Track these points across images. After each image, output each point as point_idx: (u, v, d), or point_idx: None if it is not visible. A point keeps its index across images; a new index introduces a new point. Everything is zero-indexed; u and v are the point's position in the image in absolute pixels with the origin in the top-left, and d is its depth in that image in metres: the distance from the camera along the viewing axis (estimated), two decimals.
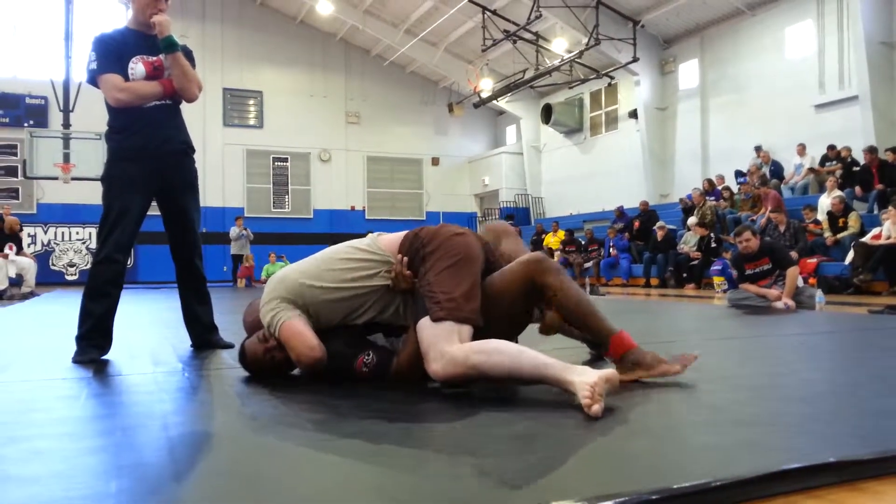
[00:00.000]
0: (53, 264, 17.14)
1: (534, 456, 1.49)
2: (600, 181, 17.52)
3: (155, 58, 3.20)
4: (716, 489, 1.25)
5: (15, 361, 3.12)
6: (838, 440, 1.59)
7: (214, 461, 1.50)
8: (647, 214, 13.79)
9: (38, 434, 1.72)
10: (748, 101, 13.84)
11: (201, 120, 17.41)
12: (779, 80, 13.15)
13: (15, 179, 16.55)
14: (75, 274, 17.12)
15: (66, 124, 12.56)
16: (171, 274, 3.41)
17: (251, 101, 19.40)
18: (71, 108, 12.55)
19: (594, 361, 2.71)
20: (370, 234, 2.47)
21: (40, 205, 17.18)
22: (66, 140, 12.39)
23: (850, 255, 8.86)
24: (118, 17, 16.64)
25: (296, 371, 2.47)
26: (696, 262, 11.18)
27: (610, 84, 16.91)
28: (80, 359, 2.97)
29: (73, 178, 12.36)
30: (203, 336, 3.42)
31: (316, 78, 19.82)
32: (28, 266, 11.03)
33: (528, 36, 15.61)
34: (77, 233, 17.37)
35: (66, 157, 12.37)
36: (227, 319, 3.43)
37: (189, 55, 3.30)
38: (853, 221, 9.56)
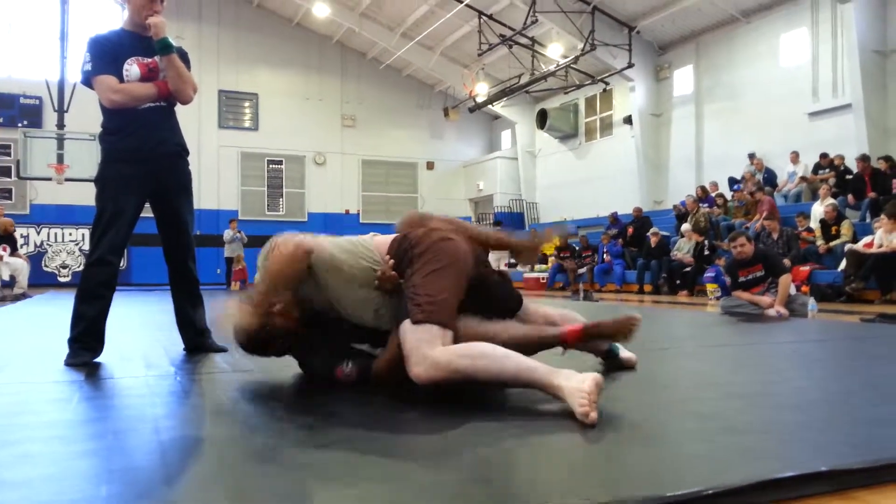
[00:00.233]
0: (46, 265, 17.06)
1: (525, 465, 1.49)
2: (595, 187, 17.56)
3: (150, 59, 3.19)
4: (709, 497, 1.25)
5: (7, 364, 3.10)
6: (830, 449, 1.59)
7: (205, 466, 1.49)
8: (641, 221, 13.81)
9: (29, 437, 1.71)
10: (742, 108, 13.89)
11: (196, 122, 17.36)
12: (773, 87, 13.20)
13: (8, 180, 16.47)
14: (68, 275, 17.05)
15: (61, 125, 12.51)
16: (164, 276, 3.40)
17: (247, 104, 19.37)
18: (65, 108, 12.51)
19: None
20: (371, 234, 2.49)
21: (33, 205, 17.10)
22: (61, 141, 12.34)
23: (843, 264, 8.89)
24: (114, 18, 16.61)
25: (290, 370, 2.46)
26: (689, 269, 11.21)
27: (605, 90, 16.95)
28: (72, 361, 2.96)
29: (67, 179, 12.30)
30: (195, 339, 3.40)
31: (312, 81, 19.81)
32: (21, 267, 10.98)
33: (523, 41, 15.65)
34: (70, 234, 17.30)
35: (60, 158, 12.31)
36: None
37: (184, 57, 3.29)
38: (846, 229, 9.59)
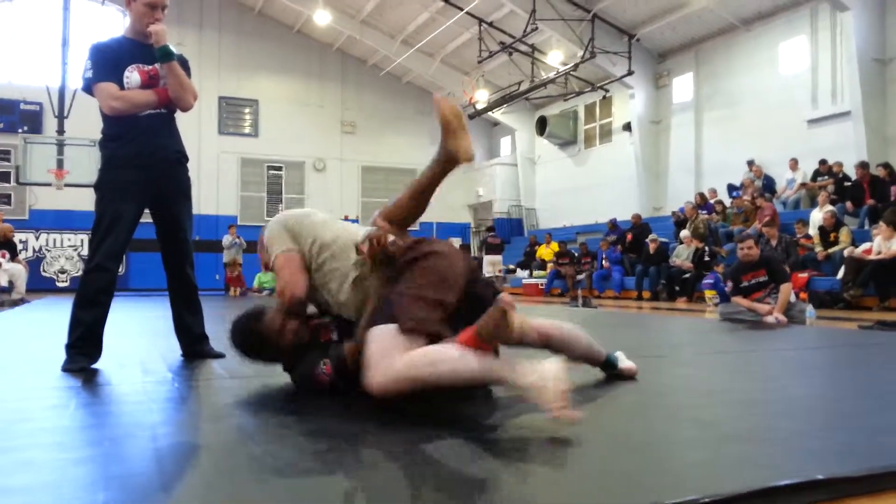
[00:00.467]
0: (45, 271, 17.05)
1: (522, 473, 1.48)
2: (594, 193, 17.57)
3: (151, 67, 3.21)
4: None
5: (4, 370, 3.10)
6: (828, 457, 1.59)
7: (201, 473, 1.49)
8: (640, 227, 13.83)
9: (26, 444, 1.71)
10: (742, 115, 13.92)
11: (196, 128, 17.38)
12: (772, 94, 13.24)
13: (7, 185, 16.48)
14: (66, 281, 17.03)
15: (61, 130, 12.54)
16: (162, 282, 3.40)
17: (247, 110, 19.40)
18: (66, 114, 12.54)
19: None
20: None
21: (32, 211, 17.10)
22: (60, 146, 12.37)
23: (842, 270, 8.89)
24: (116, 25, 16.66)
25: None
26: (688, 276, 11.21)
27: (604, 97, 16.98)
28: (70, 367, 2.96)
29: (67, 185, 12.32)
30: (193, 345, 3.40)
31: (312, 87, 19.85)
32: (19, 273, 10.98)
33: (523, 48, 15.68)
34: (69, 239, 17.30)
35: (60, 164, 12.34)
36: (218, 329, 3.40)
37: (185, 64, 3.31)
38: (844, 236, 9.60)
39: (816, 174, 11.87)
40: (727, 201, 12.98)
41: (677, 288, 11.45)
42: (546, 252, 15.78)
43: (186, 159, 3.40)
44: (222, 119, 19.03)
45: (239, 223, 17.96)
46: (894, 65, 11.20)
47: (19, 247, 13.87)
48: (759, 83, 13.52)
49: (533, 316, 2.47)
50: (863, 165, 10.55)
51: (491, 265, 12.31)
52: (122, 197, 3.13)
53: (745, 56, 13.86)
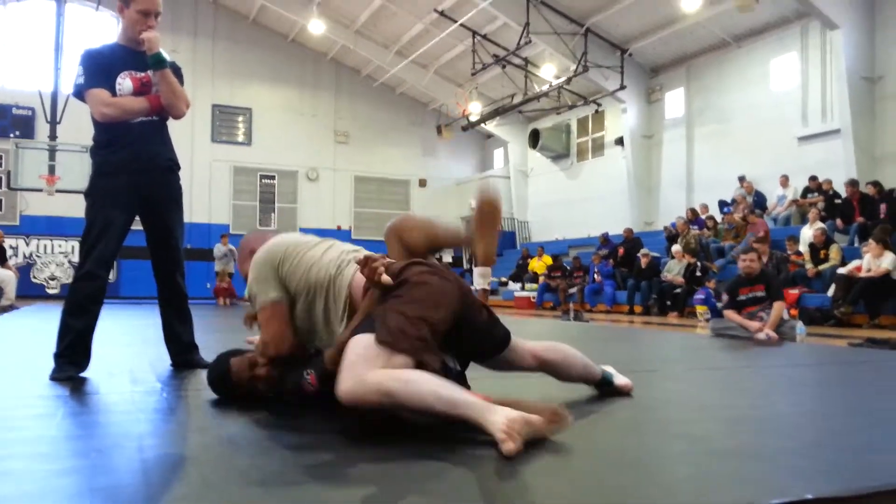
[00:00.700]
0: (35, 277, 16.93)
1: (509, 489, 1.48)
2: (586, 207, 17.63)
3: (143, 74, 3.20)
4: None
5: None
6: (816, 475, 1.60)
7: (187, 485, 1.48)
8: (632, 241, 13.87)
9: (11, 454, 1.70)
10: (733, 131, 14.02)
11: (189, 135, 17.35)
12: (763, 111, 13.34)
13: None
14: (56, 287, 16.91)
15: (53, 136, 12.50)
16: (153, 290, 3.38)
17: (240, 118, 19.40)
18: (58, 119, 12.50)
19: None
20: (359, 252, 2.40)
21: (23, 216, 17.00)
22: (52, 152, 12.32)
23: (832, 288, 8.94)
24: (110, 30, 16.64)
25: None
26: (679, 291, 11.24)
27: (597, 111, 17.07)
28: (58, 376, 2.94)
29: (58, 191, 12.27)
30: (182, 355, 3.39)
31: (306, 96, 19.88)
32: (8, 279, 10.90)
33: (517, 61, 15.77)
34: (60, 246, 17.20)
35: (52, 169, 12.29)
36: (208, 338, 3.39)
37: (178, 72, 3.31)
38: (834, 253, 9.66)
39: (806, 191, 11.95)
40: (718, 217, 13.05)
41: (669, 303, 11.47)
42: (538, 265, 15.80)
43: (178, 167, 3.39)
44: (215, 127, 19.01)
45: (231, 231, 17.92)
46: (883, 83, 11.31)
47: (9, 252, 13.79)
48: (750, 99, 13.63)
49: (525, 337, 2.46)
50: (852, 183, 10.62)
51: (481, 277, 12.34)
52: (113, 204, 3.12)
53: (737, 72, 13.98)
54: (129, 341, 5.06)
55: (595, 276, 13.75)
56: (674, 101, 15.45)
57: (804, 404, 2.83)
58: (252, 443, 1.85)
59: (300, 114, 19.80)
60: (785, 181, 12.39)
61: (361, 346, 1.92)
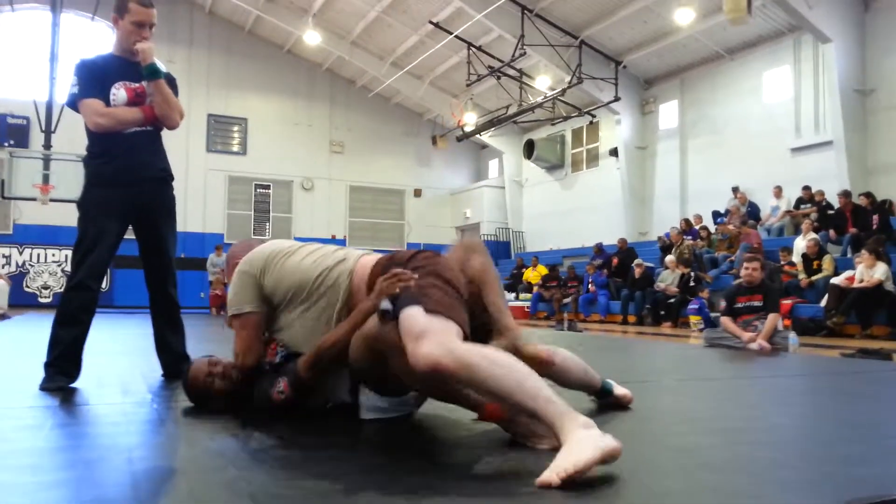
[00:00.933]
0: (27, 286, 16.86)
1: (498, 498, 1.48)
2: (580, 217, 17.67)
3: (137, 84, 3.20)
4: None
5: None
6: (806, 488, 1.60)
7: (176, 498, 1.47)
8: (626, 252, 13.89)
9: None
10: (726, 142, 14.09)
11: (184, 145, 17.35)
12: (756, 123, 13.42)
13: None
14: (49, 297, 16.85)
15: (47, 145, 12.48)
16: (147, 299, 3.37)
17: (235, 128, 19.42)
18: (53, 129, 12.49)
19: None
20: (361, 254, 2.39)
21: (17, 225, 16.95)
22: (47, 161, 12.30)
23: (825, 298, 8.96)
24: (105, 40, 16.64)
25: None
26: (673, 301, 11.26)
27: (591, 122, 17.14)
28: (48, 386, 2.92)
29: (52, 200, 12.24)
30: (174, 365, 3.36)
31: (301, 107, 19.92)
32: (1, 287, 10.86)
33: (512, 72, 15.83)
34: (53, 255, 17.14)
35: (46, 179, 12.27)
36: (201, 348, 3.38)
37: (172, 83, 3.31)
38: (827, 264, 9.69)
39: (799, 201, 12.01)
40: (712, 227, 13.09)
41: (662, 313, 11.49)
42: (532, 275, 15.81)
43: (171, 177, 3.39)
44: (210, 137, 19.02)
45: (226, 241, 17.90)
46: (875, 96, 11.39)
47: (2, 261, 13.74)
48: (744, 111, 13.71)
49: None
50: (845, 194, 10.68)
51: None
52: (106, 214, 3.11)
53: (730, 84, 14.06)
54: (120, 351, 5.04)
55: (589, 286, 13.76)
56: (668, 112, 15.52)
57: (795, 415, 2.83)
58: (242, 455, 1.84)
59: (295, 124, 19.84)
60: (778, 192, 12.45)
61: (423, 317, 1.79)
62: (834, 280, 9.06)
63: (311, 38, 17.29)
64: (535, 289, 14.94)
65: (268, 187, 19.56)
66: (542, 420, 1.66)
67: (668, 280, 11.70)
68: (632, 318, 12.26)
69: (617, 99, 15.17)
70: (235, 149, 19.44)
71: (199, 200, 18.19)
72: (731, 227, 12.07)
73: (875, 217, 10.24)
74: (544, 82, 16.05)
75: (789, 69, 12.83)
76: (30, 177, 12.30)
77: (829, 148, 11.75)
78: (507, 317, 2.23)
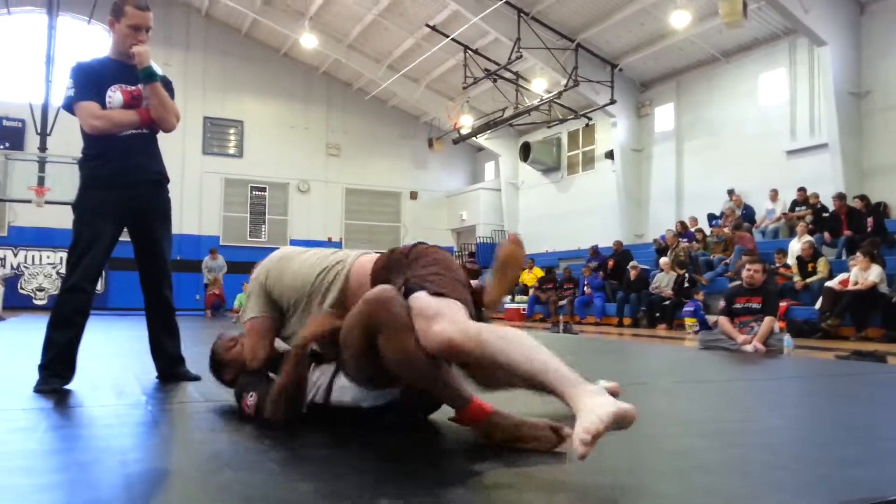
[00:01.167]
0: (22, 288, 16.82)
1: (492, 500, 1.48)
2: (576, 220, 17.68)
3: (134, 87, 3.20)
4: None
5: None
6: (801, 490, 1.60)
7: (170, 501, 1.47)
8: (622, 254, 13.91)
9: None
10: (722, 145, 14.12)
11: (180, 147, 17.34)
12: (752, 125, 13.45)
13: None
14: (44, 299, 16.80)
15: (43, 147, 12.47)
16: (142, 301, 3.37)
17: (232, 131, 19.40)
18: (48, 131, 12.47)
19: None
20: (358, 253, 2.39)
21: (11, 227, 16.91)
22: (42, 163, 12.30)
23: (820, 300, 8.98)
24: (101, 44, 16.62)
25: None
26: (668, 303, 11.27)
27: (587, 125, 17.17)
28: (42, 388, 2.91)
29: (47, 202, 12.23)
30: (169, 368, 3.36)
31: (297, 109, 19.91)
32: None
33: (508, 75, 15.85)
34: (48, 257, 17.10)
35: (41, 181, 12.26)
36: (195, 351, 3.37)
37: (168, 86, 3.31)
38: (822, 266, 9.72)
39: (794, 203, 12.04)
40: (707, 230, 13.12)
41: (658, 315, 11.50)
42: (528, 277, 15.82)
43: (167, 180, 3.39)
44: (206, 139, 19.01)
45: (221, 243, 17.90)
46: (869, 99, 11.43)
47: None
48: (739, 114, 13.74)
49: None
50: (840, 197, 10.71)
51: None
52: (101, 217, 3.11)
53: (726, 87, 14.10)
54: (115, 353, 5.03)
55: (585, 288, 13.78)
56: (663, 115, 15.55)
57: (790, 418, 2.84)
58: (237, 457, 1.84)
59: (292, 126, 19.83)
60: (774, 195, 12.47)
61: (431, 299, 1.85)
62: (829, 283, 9.09)
63: (308, 41, 17.29)
64: (532, 291, 14.95)
65: (264, 190, 19.54)
66: (553, 392, 1.68)
67: (663, 282, 11.72)
68: (627, 321, 12.28)
69: (613, 102, 15.19)
70: (231, 151, 19.42)
71: (195, 203, 18.17)
72: (725, 229, 12.10)
73: (870, 220, 10.27)
74: (540, 85, 16.07)
75: (785, 72, 12.87)
76: (25, 179, 12.30)
77: (825, 151, 11.78)
78: (495, 293, 2.33)
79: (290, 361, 2.12)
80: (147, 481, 1.60)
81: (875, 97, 11.38)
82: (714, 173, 14.11)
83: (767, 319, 6.09)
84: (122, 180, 3.16)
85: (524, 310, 14.83)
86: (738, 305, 6.33)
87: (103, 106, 3.13)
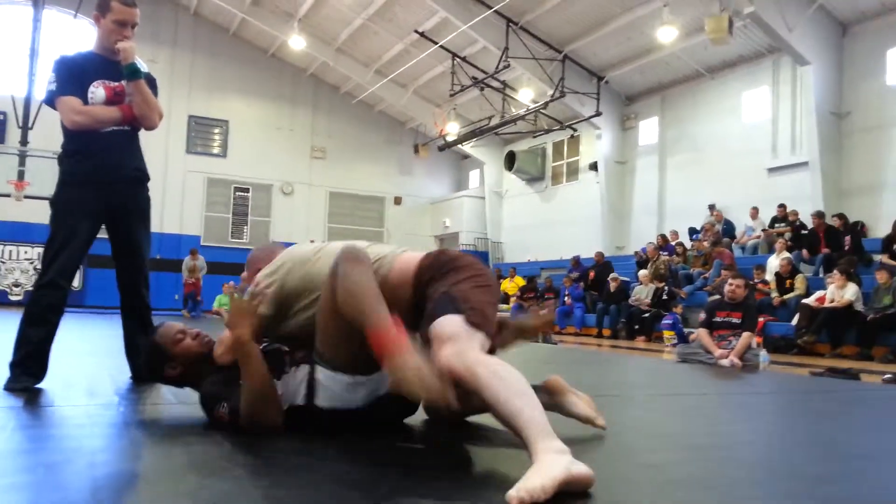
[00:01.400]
0: None
1: None
2: (559, 230, 17.76)
3: (117, 83, 3.17)
4: None
5: None
6: None
7: None
8: (603, 265, 13.97)
9: None
10: (704, 160, 14.26)
11: (164, 146, 17.20)
12: (734, 141, 13.60)
13: None
14: (20, 294, 16.56)
15: (24, 141, 12.33)
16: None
17: (216, 130, 19.29)
18: (30, 125, 12.34)
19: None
20: (401, 250, 2.37)
21: None
22: (23, 157, 12.16)
23: (796, 317, 9.07)
24: (87, 38, 16.47)
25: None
26: (647, 315, 11.34)
27: (572, 136, 17.27)
28: (13, 386, 2.87)
29: (27, 196, 12.09)
30: None
31: (284, 111, 19.85)
32: None
33: (495, 84, 15.91)
34: (26, 252, 16.87)
35: (21, 175, 12.13)
36: None
37: (152, 83, 3.27)
38: (800, 283, 9.82)
39: (774, 220, 12.17)
40: (688, 244, 13.22)
41: (637, 327, 11.56)
42: (510, 286, 15.84)
43: (147, 178, 3.35)
44: (191, 138, 18.88)
45: (202, 243, 17.75)
46: (850, 119, 11.60)
47: None
48: (723, 130, 13.89)
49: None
50: (819, 215, 10.83)
51: None
52: (78, 214, 3.07)
53: (710, 103, 14.24)
54: (89, 352, 4.97)
55: (566, 298, 13.82)
56: (648, 129, 15.68)
57: (762, 433, 2.86)
58: (207, 462, 1.81)
59: (277, 128, 19.76)
60: (755, 213, 12.61)
61: (458, 326, 1.93)
62: (806, 300, 9.18)
63: (296, 42, 17.25)
64: (513, 300, 14.97)
65: (247, 190, 19.44)
66: (520, 437, 1.68)
67: (642, 294, 11.79)
68: (607, 332, 12.33)
69: (598, 114, 15.29)
70: (216, 151, 19.31)
71: (177, 202, 18.02)
72: (705, 244, 12.21)
73: (847, 238, 10.41)
74: (527, 95, 16.14)
75: (768, 90, 13.03)
76: (4, 173, 12.16)
77: (805, 169, 11.93)
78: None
79: (253, 360, 2.09)
80: (114, 485, 1.58)
81: (855, 118, 11.55)
82: (696, 188, 14.23)
83: (745, 335, 6.16)
84: (100, 177, 3.12)
85: None
86: (718, 319, 6.40)
87: (85, 101, 3.10)
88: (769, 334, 9.12)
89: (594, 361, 6.83)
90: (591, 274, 13.96)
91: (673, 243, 13.35)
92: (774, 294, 10.02)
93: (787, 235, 11.36)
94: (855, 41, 11.70)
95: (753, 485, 1.82)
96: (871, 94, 11.37)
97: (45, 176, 11.59)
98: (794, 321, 9.07)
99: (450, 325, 1.93)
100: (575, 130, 16.81)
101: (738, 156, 13.43)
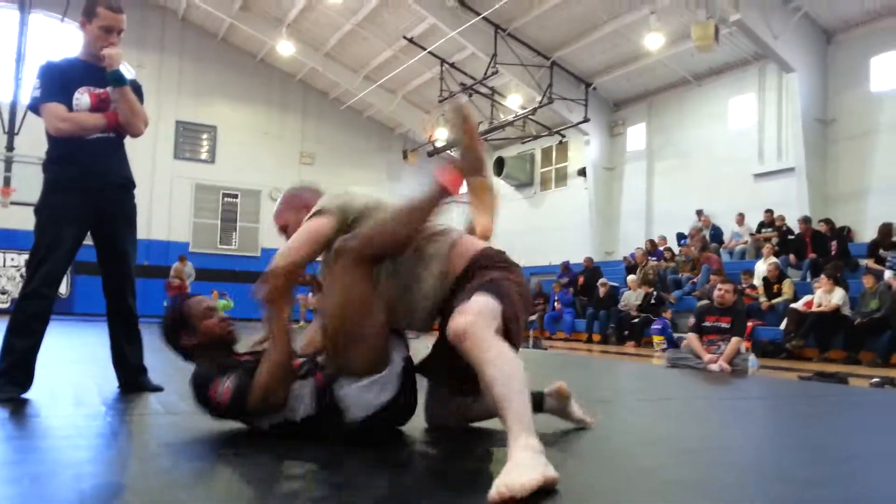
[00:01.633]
0: None
1: None
2: (548, 235, 17.79)
3: (102, 90, 3.15)
4: None
5: None
6: None
7: None
8: (592, 270, 14.02)
9: None
10: (691, 166, 14.34)
11: (151, 151, 17.12)
12: (721, 148, 13.69)
13: None
14: (7, 302, 16.42)
15: (10, 147, 12.22)
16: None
17: (204, 136, 19.22)
18: (16, 130, 12.23)
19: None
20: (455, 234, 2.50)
21: None
22: (9, 163, 12.05)
23: (784, 321, 9.13)
24: (74, 43, 16.38)
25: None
26: (636, 320, 11.37)
27: (561, 142, 17.33)
28: None
29: (13, 203, 11.97)
30: (131, 377, 3.29)
31: (272, 117, 19.80)
32: None
33: (484, 90, 15.96)
34: (12, 259, 16.72)
35: (7, 181, 12.01)
36: (158, 358, 3.30)
37: (138, 90, 3.25)
38: (787, 288, 9.88)
39: (761, 225, 12.26)
40: (676, 249, 13.28)
41: (626, 332, 11.59)
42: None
43: (133, 185, 3.32)
44: (179, 144, 18.80)
45: (191, 250, 17.66)
46: (835, 126, 11.71)
47: None
48: (709, 136, 13.98)
49: None
50: (805, 220, 10.92)
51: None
52: (63, 221, 3.04)
53: (696, 110, 14.34)
54: (76, 360, 4.92)
55: (555, 303, 13.84)
56: (635, 135, 15.76)
57: (751, 437, 2.87)
58: (193, 473, 1.80)
59: (266, 134, 19.71)
60: (741, 220, 12.69)
61: (493, 307, 2.00)
62: (793, 304, 9.24)
63: (285, 48, 17.24)
64: None
65: (235, 196, 19.36)
66: (503, 422, 1.76)
67: (631, 299, 11.83)
68: (596, 337, 12.35)
69: (586, 120, 15.36)
70: (204, 157, 19.23)
71: (165, 208, 17.92)
72: (692, 249, 12.27)
73: (834, 243, 10.49)
74: (515, 101, 16.20)
75: (754, 97, 13.13)
76: None
77: (791, 175, 12.02)
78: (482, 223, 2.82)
79: (282, 335, 2.12)
80: (100, 497, 1.56)
81: (840, 125, 11.65)
82: (684, 193, 14.31)
83: (734, 340, 6.19)
84: (85, 184, 3.09)
85: None
86: (707, 324, 6.43)
87: (70, 108, 3.08)
88: (758, 339, 9.17)
89: (584, 366, 6.83)
90: (581, 279, 13.99)
91: (661, 248, 13.40)
92: (762, 299, 10.08)
93: (774, 241, 11.44)
94: (839, 49, 11.82)
95: (744, 488, 1.83)
96: (856, 101, 11.48)
97: (32, 182, 11.43)
98: (783, 326, 9.13)
99: (486, 303, 2.00)
100: (563, 136, 16.87)
101: (724, 162, 13.52)
